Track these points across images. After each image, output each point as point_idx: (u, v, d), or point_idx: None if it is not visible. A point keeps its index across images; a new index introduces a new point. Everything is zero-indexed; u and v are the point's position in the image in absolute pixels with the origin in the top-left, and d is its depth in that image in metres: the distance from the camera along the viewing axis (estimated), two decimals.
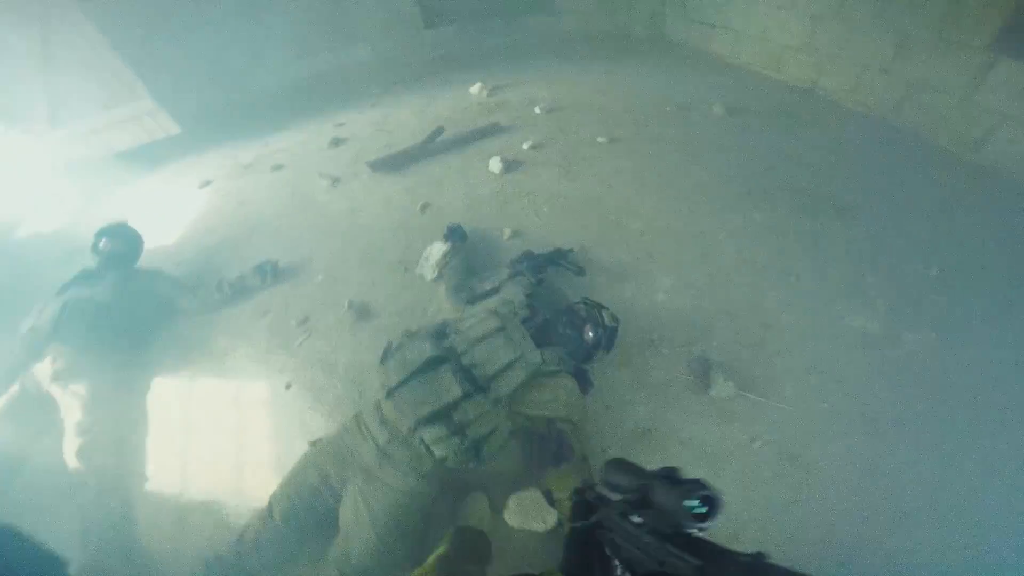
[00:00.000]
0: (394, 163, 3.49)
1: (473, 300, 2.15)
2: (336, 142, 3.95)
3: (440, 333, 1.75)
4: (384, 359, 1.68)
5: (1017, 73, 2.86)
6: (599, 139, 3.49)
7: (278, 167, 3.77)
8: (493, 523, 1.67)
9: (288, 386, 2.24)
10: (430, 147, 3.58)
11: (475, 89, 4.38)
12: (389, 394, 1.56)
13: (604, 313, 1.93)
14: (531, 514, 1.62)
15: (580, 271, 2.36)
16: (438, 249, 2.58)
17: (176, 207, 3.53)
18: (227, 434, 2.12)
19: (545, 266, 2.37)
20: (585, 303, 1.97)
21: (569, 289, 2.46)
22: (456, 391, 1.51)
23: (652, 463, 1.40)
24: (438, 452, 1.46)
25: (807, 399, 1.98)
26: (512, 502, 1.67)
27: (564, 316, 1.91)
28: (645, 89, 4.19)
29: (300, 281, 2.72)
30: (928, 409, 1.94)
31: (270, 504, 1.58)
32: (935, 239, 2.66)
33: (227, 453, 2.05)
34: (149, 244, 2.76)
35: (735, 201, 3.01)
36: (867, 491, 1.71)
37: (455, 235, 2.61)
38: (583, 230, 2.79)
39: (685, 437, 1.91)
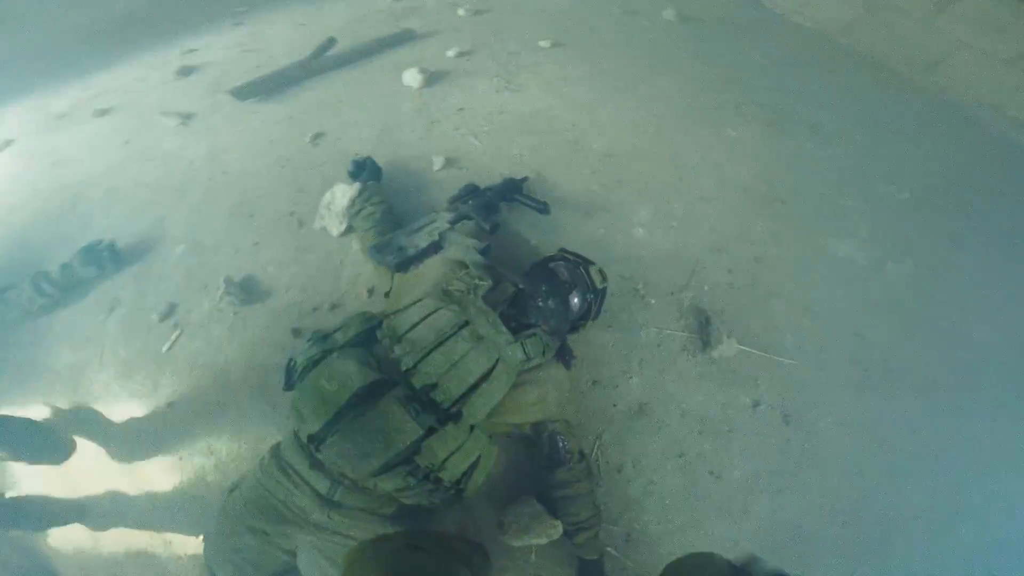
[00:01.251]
0: (268, 86, 2.58)
1: (406, 264, 1.48)
2: (185, 72, 2.88)
3: (369, 335, 1.15)
4: (288, 384, 1.10)
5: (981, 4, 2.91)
6: (541, 43, 2.82)
7: (103, 111, 2.67)
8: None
9: (170, 405, 1.53)
10: (318, 64, 2.70)
11: None
12: (314, 445, 1.00)
13: (592, 271, 1.40)
14: (533, 528, 1.28)
15: (543, 207, 1.76)
16: (343, 192, 1.85)
17: None
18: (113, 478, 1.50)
19: (497, 204, 1.75)
20: (565, 258, 1.42)
21: (531, 233, 1.86)
22: (413, 430, 0.99)
23: (654, 446, 1.54)
24: (407, 500, 1.05)
25: (805, 349, 1.81)
26: (509, 519, 1.30)
27: (541, 281, 1.35)
28: None
29: (153, 257, 1.87)
30: (914, 353, 1.88)
31: (211, 570, 1.11)
32: (901, 162, 2.61)
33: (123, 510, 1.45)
34: None
35: (704, 115, 2.60)
36: (863, 449, 1.65)
37: (365, 171, 1.88)
38: (535, 153, 2.17)
39: (687, 408, 1.62)
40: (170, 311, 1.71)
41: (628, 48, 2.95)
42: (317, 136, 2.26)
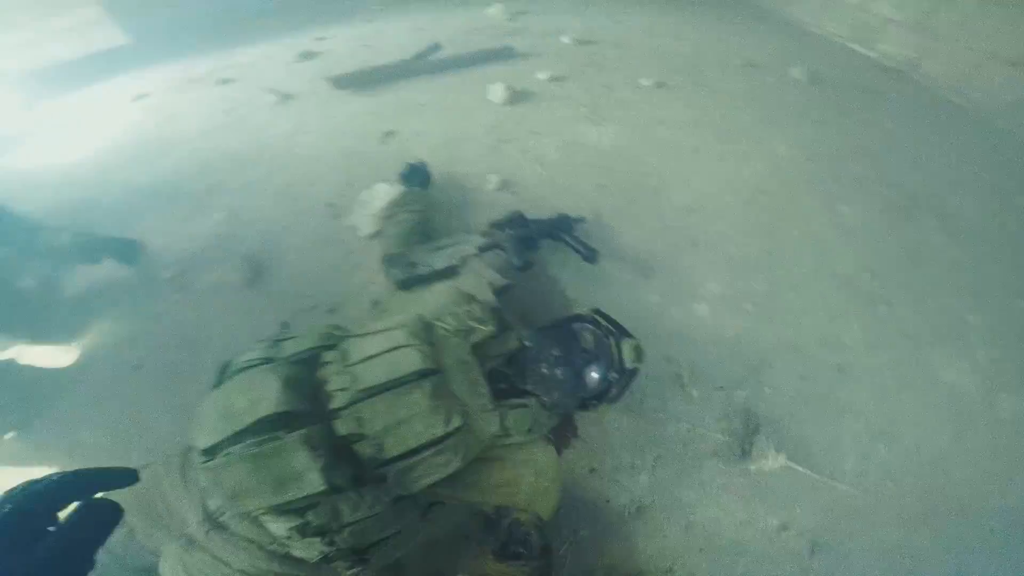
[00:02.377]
0: (365, 80, 2.63)
1: (411, 282, 1.33)
2: (306, 56, 3.09)
3: (313, 358, 0.97)
4: (216, 384, 0.96)
5: None
6: (642, 81, 2.61)
7: (226, 81, 2.92)
8: None
9: (137, 367, 1.48)
10: (417, 66, 2.72)
11: (494, 10, 3.47)
12: (205, 458, 0.84)
13: (625, 346, 1.13)
14: None
15: (591, 254, 1.53)
16: (383, 192, 1.77)
17: (96, 122, 2.69)
18: None
19: (539, 239, 1.55)
20: (596, 322, 1.18)
21: (569, 280, 1.64)
22: (313, 483, 0.78)
23: (640, 555, 1.23)
24: (296, 552, 0.84)
25: (869, 478, 1.44)
26: None
27: (555, 343, 1.13)
28: (707, 39, 3.30)
29: (192, 217, 1.90)
30: (1000, 504, 1.40)
31: None
32: None
33: None
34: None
35: (817, 186, 2.23)
36: None
37: (414, 176, 1.79)
38: (602, 192, 1.95)
39: (694, 519, 1.32)
40: (180, 272, 1.69)
41: (741, 101, 2.65)
42: (388, 134, 2.23)
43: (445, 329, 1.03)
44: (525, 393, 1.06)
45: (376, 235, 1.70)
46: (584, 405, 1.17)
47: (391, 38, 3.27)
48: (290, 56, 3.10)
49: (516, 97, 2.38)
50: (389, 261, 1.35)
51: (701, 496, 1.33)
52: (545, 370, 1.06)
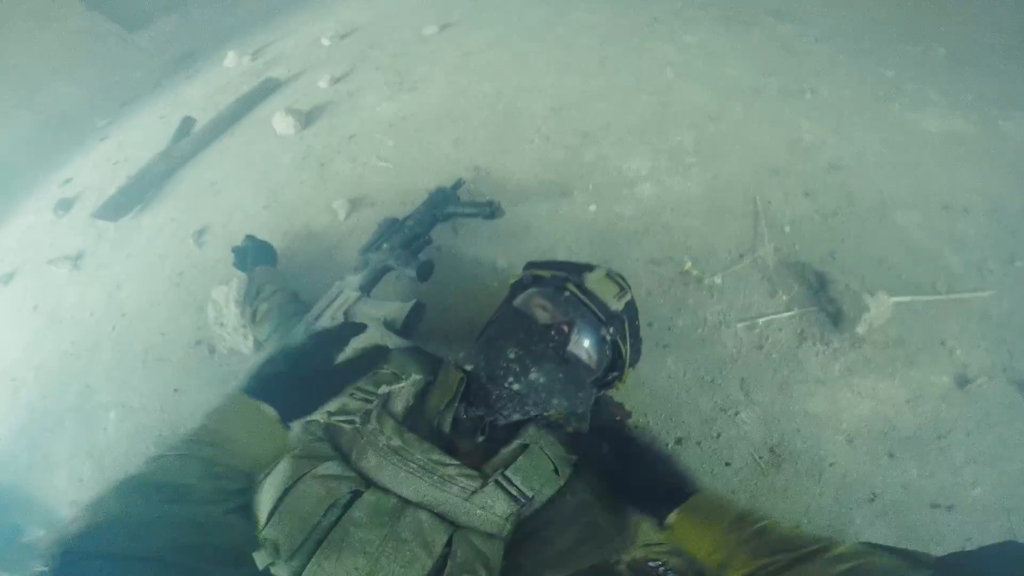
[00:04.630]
0: (135, 194, 2.07)
1: None
2: (64, 205, 2.41)
3: None
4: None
5: None
6: (426, 31, 2.29)
7: (8, 277, 2.18)
8: None
9: None
10: (183, 149, 2.18)
11: (230, 61, 2.95)
12: None
13: (592, 283, 0.82)
14: None
15: (491, 208, 1.19)
16: (224, 297, 1.29)
17: None
18: None
19: (422, 234, 1.18)
20: (538, 280, 0.86)
21: (491, 250, 1.29)
22: None
23: (818, 505, 0.93)
24: None
25: (991, 268, 1.17)
26: None
27: (508, 344, 0.74)
28: None
29: (94, 429, 1.41)
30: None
31: None
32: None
33: None
34: None
35: (648, 31, 2.09)
36: None
37: (248, 257, 1.35)
38: (463, 145, 1.62)
39: (849, 427, 0.99)
40: None
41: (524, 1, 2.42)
42: (200, 233, 1.74)
43: (348, 423, 0.66)
44: (519, 426, 0.69)
45: (260, 347, 1.23)
46: (603, 385, 0.83)
47: (138, 141, 2.68)
48: (47, 214, 2.42)
49: (309, 117, 1.95)
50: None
51: (831, 397, 1.01)
52: (516, 385, 0.69)
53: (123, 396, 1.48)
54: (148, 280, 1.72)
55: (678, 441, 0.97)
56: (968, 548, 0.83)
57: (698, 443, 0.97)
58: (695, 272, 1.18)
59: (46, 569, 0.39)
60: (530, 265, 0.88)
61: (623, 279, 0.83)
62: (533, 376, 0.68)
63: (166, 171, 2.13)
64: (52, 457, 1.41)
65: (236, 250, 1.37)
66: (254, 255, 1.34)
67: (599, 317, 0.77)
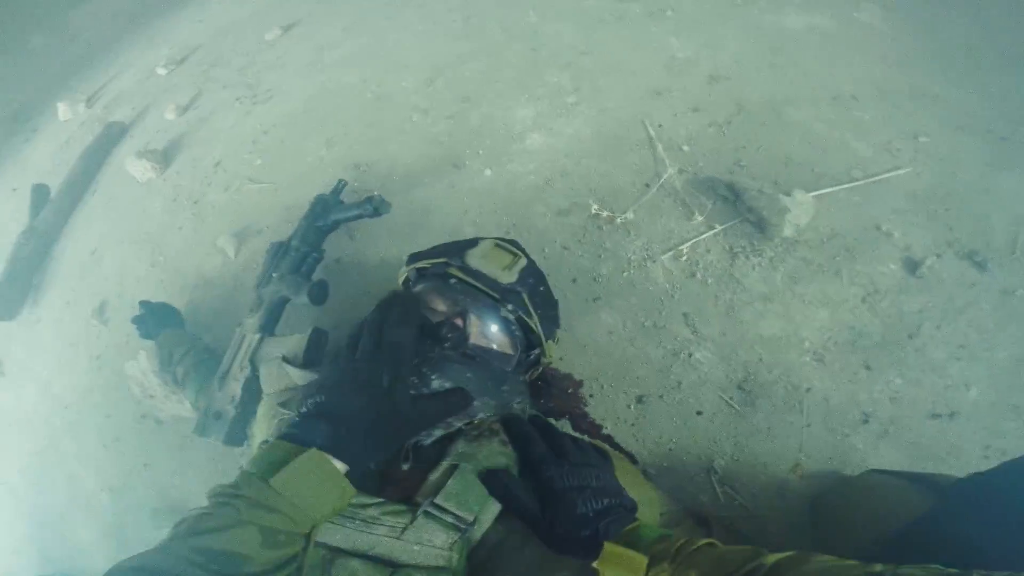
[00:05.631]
0: (21, 286, 1.83)
1: (237, 438, 0.91)
2: None
3: None
4: None
5: None
6: (268, 37, 2.09)
7: None
8: None
9: None
10: (46, 222, 1.92)
11: (64, 113, 2.58)
12: None
13: (475, 259, 0.74)
14: None
15: (376, 205, 1.07)
16: (139, 369, 1.20)
17: None
18: None
19: (315, 251, 1.08)
20: (420, 273, 0.79)
21: (394, 251, 1.21)
22: None
23: (806, 435, 0.89)
24: None
25: (895, 150, 1.21)
26: None
27: (391, 348, 0.57)
28: None
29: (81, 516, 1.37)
30: None
31: None
32: None
33: None
34: None
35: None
36: None
37: (149, 322, 1.25)
38: (336, 145, 1.51)
39: (811, 340, 0.98)
40: None
41: None
42: (100, 310, 1.57)
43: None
44: (443, 444, 0.61)
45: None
46: (529, 367, 0.77)
47: None
48: None
49: (166, 155, 1.74)
50: (198, 429, 0.94)
51: (781, 310, 0.97)
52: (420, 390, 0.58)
53: (104, 479, 1.41)
54: (71, 371, 1.57)
55: (639, 400, 0.95)
56: (988, 457, 0.82)
57: (660, 397, 0.95)
58: (605, 213, 1.16)
59: None
60: (412, 258, 0.80)
61: (514, 244, 0.77)
62: (436, 385, 0.59)
63: (40, 249, 1.87)
64: (80, 545, 1.35)
65: (136, 320, 1.26)
66: (155, 320, 1.24)
67: (492, 296, 0.69)
